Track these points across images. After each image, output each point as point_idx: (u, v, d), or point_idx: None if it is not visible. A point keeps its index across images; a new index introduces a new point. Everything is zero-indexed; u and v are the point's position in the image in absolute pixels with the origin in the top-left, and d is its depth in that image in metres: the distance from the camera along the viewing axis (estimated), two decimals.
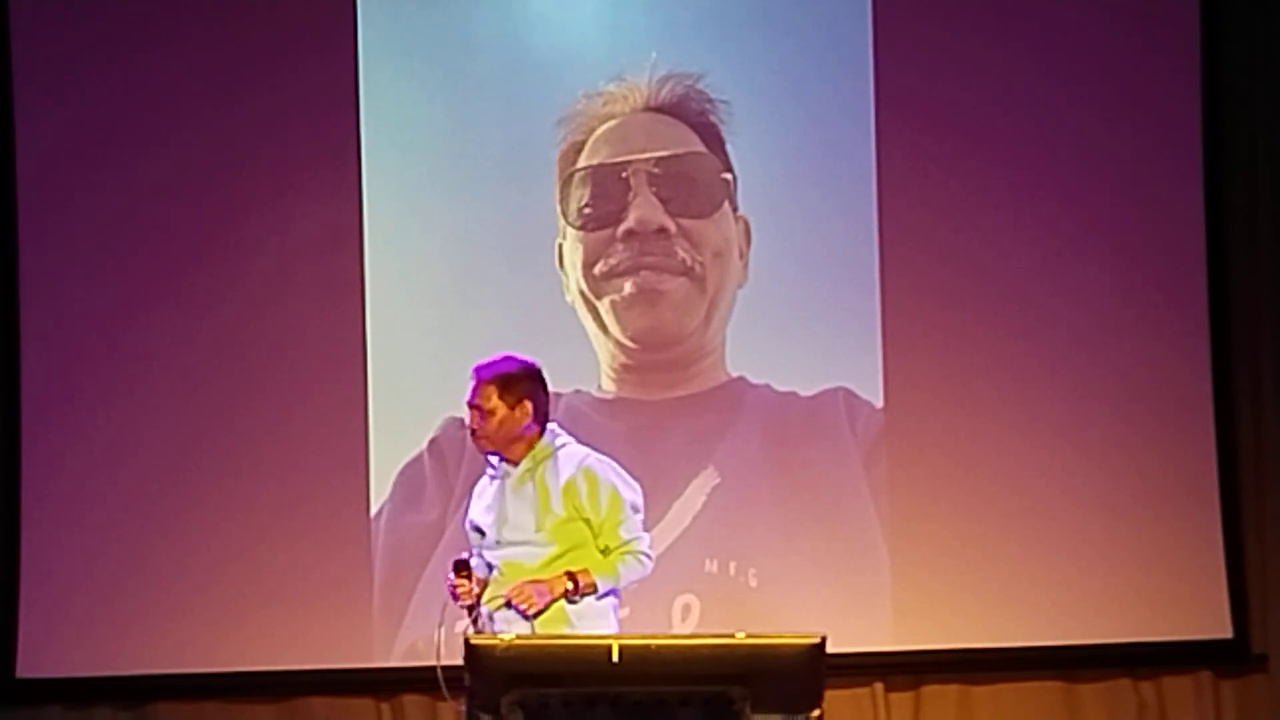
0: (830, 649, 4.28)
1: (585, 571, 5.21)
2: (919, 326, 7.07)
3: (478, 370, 5.33)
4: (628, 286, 6.89)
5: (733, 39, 7.01)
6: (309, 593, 6.84)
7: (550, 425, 5.36)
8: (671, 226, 6.87)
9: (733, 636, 4.42)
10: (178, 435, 6.87)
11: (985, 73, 7.10)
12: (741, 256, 6.98)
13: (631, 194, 6.89)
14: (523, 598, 5.16)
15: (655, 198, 6.88)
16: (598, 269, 6.92)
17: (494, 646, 4.29)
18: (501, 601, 5.22)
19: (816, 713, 4.24)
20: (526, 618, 5.19)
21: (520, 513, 5.26)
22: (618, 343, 6.92)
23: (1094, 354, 7.09)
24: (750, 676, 4.20)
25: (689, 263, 6.87)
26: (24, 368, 6.83)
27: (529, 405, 5.29)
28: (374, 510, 6.92)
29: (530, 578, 5.20)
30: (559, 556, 5.23)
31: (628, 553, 5.28)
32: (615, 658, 4.22)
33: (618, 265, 6.89)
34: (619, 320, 6.88)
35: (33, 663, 6.78)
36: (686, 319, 6.92)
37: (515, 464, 5.30)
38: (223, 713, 6.85)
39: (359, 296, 6.99)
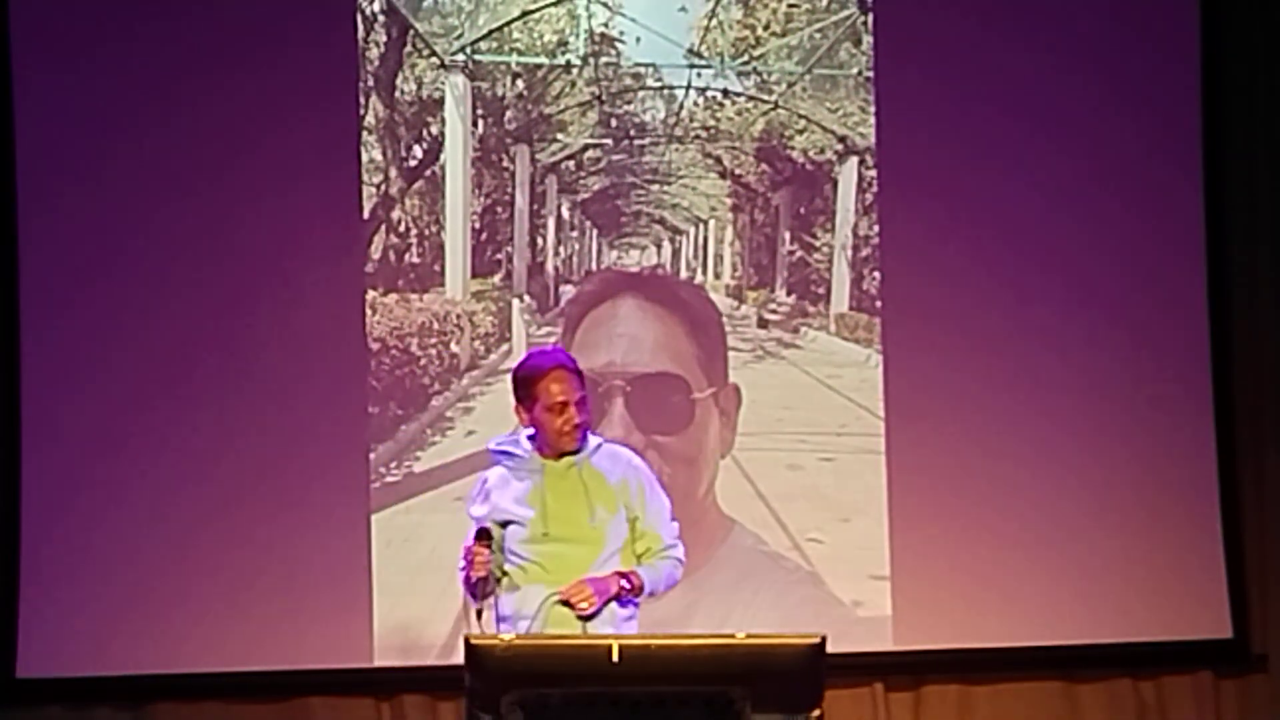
0: (830, 649, 4.28)
1: (634, 573, 5.13)
2: (919, 328, 7.07)
3: (568, 362, 5.18)
4: None
5: None
6: (309, 593, 6.83)
7: None
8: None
9: (733, 636, 4.42)
10: (177, 435, 6.86)
11: (984, 74, 7.11)
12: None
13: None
14: (583, 596, 5.03)
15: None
16: None
17: (494, 646, 4.28)
18: (555, 600, 5.07)
19: (816, 713, 4.23)
20: (583, 618, 5.06)
21: (571, 509, 5.12)
22: None
23: (1094, 355, 7.10)
24: (750, 676, 4.20)
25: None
26: (24, 368, 6.83)
27: None
28: (374, 509, 6.94)
29: (586, 576, 5.08)
30: (612, 555, 5.13)
31: (671, 557, 5.22)
32: (615, 658, 4.21)
33: None
34: None
35: (33, 663, 6.77)
36: None
37: (554, 460, 5.16)
38: (223, 713, 6.84)
39: (360, 295, 7.00)
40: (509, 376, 5.29)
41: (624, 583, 5.10)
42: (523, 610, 5.13)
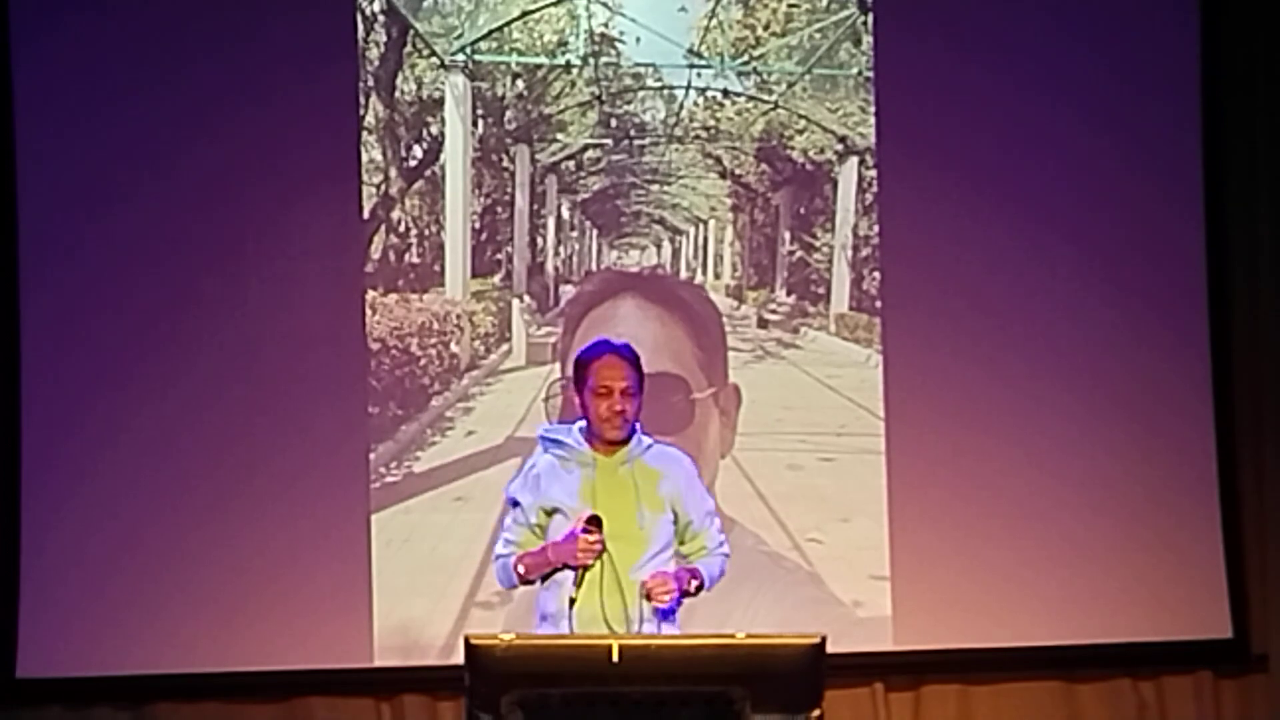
0: (830, 649, 4.28)
1: (698, 569, 5.11)
2: (919, 328, 7.07)
3: (620, 350, 5.12)
4: None
5: None
6: (309, 593, 6.84)
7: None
8: None
9: (733, 636, 4.42)
10: (177, 435, 6.86)
11: (984, 73, 7.11)
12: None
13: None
14: (667, 589, 4.99)
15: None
16: None
17: (494, 646, 4.28)
18: (641, 591, 5.02)
19: (816, 713, 4.24)
20: (663, 611, 5.03)
21: (621, 506, 5.07)
22: None
23: (1094, 355, 7.10)
24: (750, 676, 4.20)
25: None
26: (24, 368, 6.83)
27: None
28: (374, 509, 6.94)
29: (661, 570, 5.04)
30: (656, 554, 5.09)
31: (720, 554, 5.21)
32: (615, 658, 4.22)
33: None
34: None
35: (33, 663, 6.78)
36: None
37: (607, 455, 5.12)
38: (223, 713, 6.84)
39: (360, 295, 7.00)
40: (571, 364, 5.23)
41: (694, 580, 5.09)
42: (564, 607, 5.07)
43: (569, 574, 5.06)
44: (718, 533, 5.23)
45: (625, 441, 5.12)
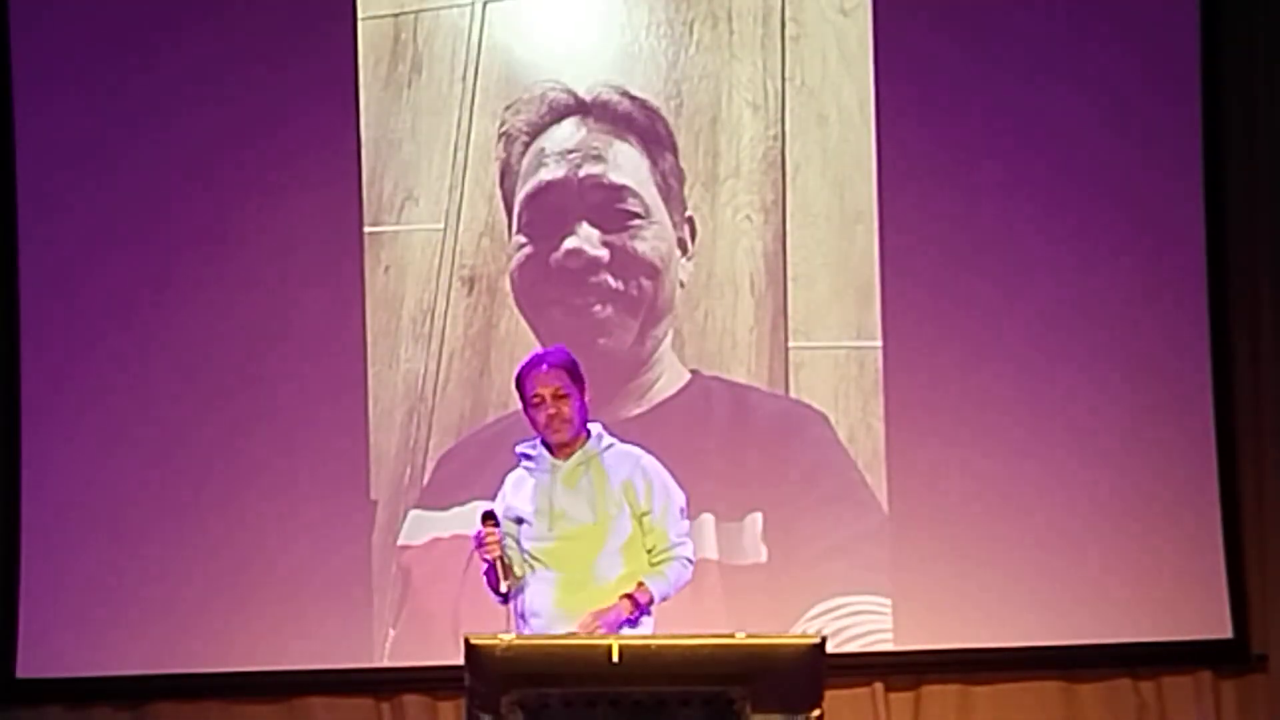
0: (830, 649, 4.28)
1: (641, 586, 5.23)
2: (918, 327, 7.07)
3: (545, 357, 5.33)
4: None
5: None
6: (309, 593, 6.84)
7: (592, 424, 5.37)
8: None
9: (733, 636, 4.43)
10: (178, 435, 6.87)
11: (984, 78, 7.10)
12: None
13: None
14: (591, 631, 5.13)
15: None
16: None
17: (494, 646, 4.29)
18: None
19: (816, 713, 4.24)
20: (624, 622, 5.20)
21: (575, 505, 5.26)
22: None
23: (1094, 354, 7.08)
24: (750, 676, 4.21)
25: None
26: (24, 368, 6.84)
27: (587, 395, 5.35)
28: (374, 509, 6.94)
29: (594, 609, 5.17)
30: (615, 551, 5.25)
31: (675, 558, 5.30)
32: (615, 658, 4.22)
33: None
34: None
35: (33, 663, 6.78)
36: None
37: (564, 459, 5.30)
38: (223, 713, 6.85)
39: (359, 291, 7.00)
40: None
41: (632, 607, 5.21)
42: (533, 607, 5.27)
43: (545, 574, 5.26)
44: (679, 535, 5.33)
45: (581, 444, 5.31)
